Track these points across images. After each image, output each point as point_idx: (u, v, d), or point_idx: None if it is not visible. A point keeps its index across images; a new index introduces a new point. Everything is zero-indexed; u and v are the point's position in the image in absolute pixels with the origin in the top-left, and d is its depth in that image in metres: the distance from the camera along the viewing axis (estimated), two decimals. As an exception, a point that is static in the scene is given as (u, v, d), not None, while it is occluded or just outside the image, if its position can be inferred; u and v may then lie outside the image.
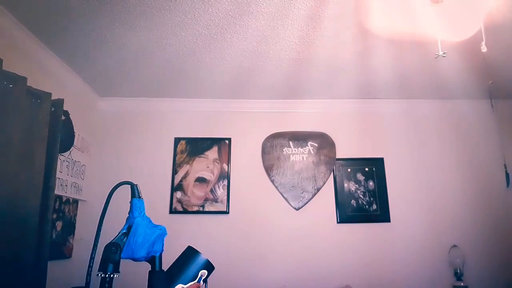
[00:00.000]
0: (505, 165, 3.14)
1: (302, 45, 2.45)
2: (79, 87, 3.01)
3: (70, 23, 2.19)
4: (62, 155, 2.64)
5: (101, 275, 1.10)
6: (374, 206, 3.21)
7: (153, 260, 1.18)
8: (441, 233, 3.13)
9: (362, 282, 2.98)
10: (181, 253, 1.32)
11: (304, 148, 3.34)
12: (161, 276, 1.18)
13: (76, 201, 2.90)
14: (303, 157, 3.32)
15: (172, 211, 3.15)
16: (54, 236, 2.57)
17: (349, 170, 3.30)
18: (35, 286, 2.04)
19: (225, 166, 3.28)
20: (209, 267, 1.28)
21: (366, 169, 3.30)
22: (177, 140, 3.32)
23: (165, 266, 1.23)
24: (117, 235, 1.18)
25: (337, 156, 3.33)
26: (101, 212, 1.21)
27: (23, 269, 1.94)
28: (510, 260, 3.06)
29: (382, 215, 3.18)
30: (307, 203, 3.21)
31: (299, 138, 3.37)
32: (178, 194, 3.19)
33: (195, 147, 3.31)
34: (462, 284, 2.90)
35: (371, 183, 3.27)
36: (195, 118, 3.40)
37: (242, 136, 3.36)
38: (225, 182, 3.23)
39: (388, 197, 3.22)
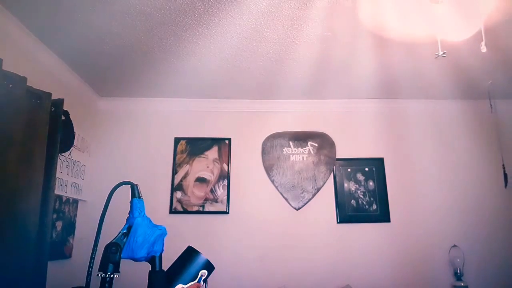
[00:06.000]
0: (503, 165, 3.13)
1: (303, 45, 2.45)
2: (79, 87, 3.01)
3: (70, 23, 2.19)
4: (62, 155, 2.64)
5: (101, 275, 1.10)
6: (374, 206, 3.21)
7: (153, 260, 1.18)
8: (441, 233, 3.13)
9: (362, 282, 2.98)
10: (181, 253, 1.32)
11: (304, 148, 3.34)
12: (161, 276, 1.18)
13: (76, 201, 2.90)
14: (303, 157, 3.32)
15: (172, 211, 3.15)
16: (54, 236, 2.57)
17: (349, 170, 3.30)
18: (35, 286, 2.04)
19: (225, 166, 3.28)
20: (209, 267, 1.28)
21: (366, 169, 3.30)
22: (177, 140, 3.32)
23: (165, 266, 1.24)
24: (117, 235, 1.18)
25: (337, 156, 3.33)
26: (101, 212, 1.21)
27: (23, 269, 1.94)
28: (510, 260, 3.06)
29: (382, 215, 3.18)
30: (307, 203, 3.21)
31: (299, 138, 3.37)
32: (178, 194, 3.19)
33: (195, 147, 3.31)
34: (462, 284, 2.90)
35: (371, 183, 3.27)
36: (195, 118, 3.40)
37: (242, 136, 3.36)
38: (225, 182, 3.23)
39: (388, 197, 3.22)
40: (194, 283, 1.23)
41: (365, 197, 3.23)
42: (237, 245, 3.08)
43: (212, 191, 3.21)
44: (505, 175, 3.09)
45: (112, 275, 1.10)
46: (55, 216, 2.57)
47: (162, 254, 1.21)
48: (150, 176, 3.20)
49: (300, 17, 2.14)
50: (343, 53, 2.57)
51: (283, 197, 3.22)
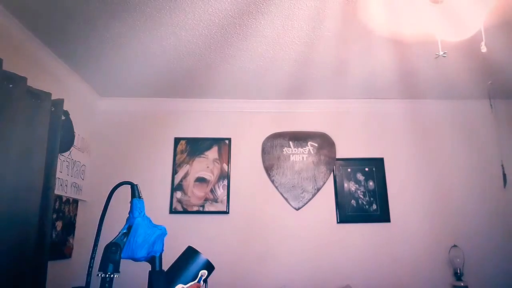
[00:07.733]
0: (502, 165, 3.13)
1: (303, 45, 2.45)
2: (79, 87, 3.01)
3: (70, 23, 2.19)
4: (62, 155, 2.64)
5: (101, 275, 1.10)
6: (374, 206, 3.21)
7: (153, 260, 1.18)
8: (441, 233, 3.13)
9: (362, 282, 2.98)
10: (181, 253, 1.32)
11: (304, 148, 3.34)
12: (161, 276, 1.18)
13: (76, 201, 2.90)
14: (303, 157, 3.32)
15: (172, 211, 3.15)
16: (54, 236, 2.57)
17: (349, 170, 3.30)
18: (35, 286, 2.04)
19: (225, 166, 3.28)
20: (209, 267, 1.28)
21: (366, 169, 3.30)
22: (177, 140, 3.32)
23: (165, 266, 1.24)
24: (117, 235, 1.18)
25: (337, 156, 3.33)
26: (101, 212, 1.21)
27: (23, 269, 1.94)
28: (510, 260, 3.06)
29: (382, 215, 3.18)
30: (307, 203, 3.21)
31: (299, 138, 3.37)
32: (178, 194, 3.19)
33: (195, 147, 3.31)
34: (462, 284, 2.90)
35: (371, 183, 3.27)
36: (195, 118, 3.40)
37: (242, 136, 3.36)
38: (225, 182, 3.23)
39: (388, 197, 3.22)
40: (194, 283, 1.23)
41: (365, 197, 3.23)
42: (237, 245, 3.08)
43: (212, 191, 3.21)
44: (504, 175, 3.09)
45: (112, 275, 1.10)
46: (55, 216, 2.57)
47: (162, 254, 1.21)
48: (150, 176, 3.20)
49: (300, 17, 2.14)
50: (344, 53, 2.57)
51: (283, 197, 3.22)
